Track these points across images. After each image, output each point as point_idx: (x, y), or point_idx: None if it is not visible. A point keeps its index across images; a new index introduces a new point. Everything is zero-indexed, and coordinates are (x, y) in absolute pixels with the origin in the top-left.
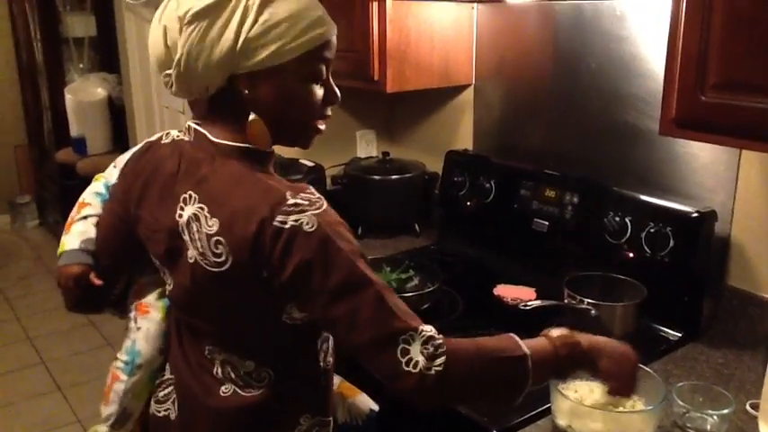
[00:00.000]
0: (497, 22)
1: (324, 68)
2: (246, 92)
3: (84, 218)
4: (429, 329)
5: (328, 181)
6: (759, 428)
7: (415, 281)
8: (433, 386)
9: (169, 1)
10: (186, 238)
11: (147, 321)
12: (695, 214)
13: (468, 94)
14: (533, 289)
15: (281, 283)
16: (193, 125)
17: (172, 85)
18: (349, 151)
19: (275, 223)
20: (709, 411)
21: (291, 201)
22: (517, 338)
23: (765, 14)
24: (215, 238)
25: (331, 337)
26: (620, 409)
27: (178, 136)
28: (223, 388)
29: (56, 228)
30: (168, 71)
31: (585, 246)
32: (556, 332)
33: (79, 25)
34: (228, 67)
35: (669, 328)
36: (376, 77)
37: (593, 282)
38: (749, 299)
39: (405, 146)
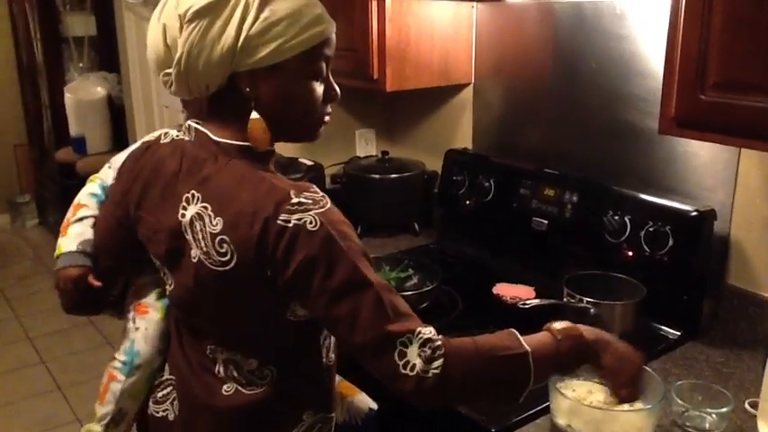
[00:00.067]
0: (497, 20)
1: (324, 66)
2: (247, 90)
3: (81, 219)
4: (428, 331)
5: (328, 180)
6: (758, 427)
7: (415, 280)
8: (432, 388)
9: (168, 0)
10: (189, 237)
11: (145, 322)
12: (694, 213)
13: (468, 93)
14: (532, 288)
15: (285, 282)
16: (194, 124)
17: (171, 85)
18: (348, 150)
19: (279, 222)
20: (708, 410)
21: (295, 200)
22: (518, 334)
23: (765, 13)
24: (219, 237)
25: None
26: (619, 407)
27: (178, 135)
28: (225, 387)
29: (56, 227)
30: (168, 70)
31: (585, 245)
32: (559, 325)
33: (79, 25)
34: (229, 65)
35: (668, 327)
36: (375, 76)
37: (593, 281)
38: (749, 298)
39: (404, 145)
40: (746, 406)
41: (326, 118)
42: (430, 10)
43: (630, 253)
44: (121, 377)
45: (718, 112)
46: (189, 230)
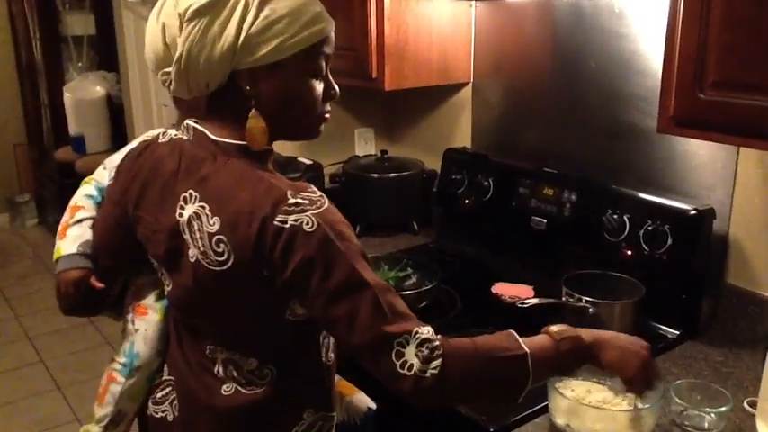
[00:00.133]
0: (496, 19)
1: (323, 64)
2: (248, 88)
3: (79, 221)
4: (425, 331)
5: (326, 179)
6: (756, 426)
7: (414, 279)
8: (430, 388)
9: None
10: (187, 237)
11: (144, 323)
12: (693, 212)
13: (467, 92)
14: (531, 287)
15: (283, 282)
16: (192, 124)
17: (170, 84)
18: (347, 149)
19: (276, 223)
20: (707, 409)
21: (292, 200)
22: (517, 336)
23: (764, 12)
24: (216, 237)
25: None
26: (618, 407)
27: (176, 135)
28: (225, 387)
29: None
30: (167, 69)
31: (584, 244)
32: (556, 328)
33: (78, 24)
34: (230, 64)
35: (667, 326)
36: (374, 75)
37: (592, 280)
38: (748, 297)
39: (403, 144)
40: (745, 405)
41: (326, 116)
42: (429, 8)
43: (629, 252)
44: (121, 379)
45: (716, 111)
46: (186, 230)
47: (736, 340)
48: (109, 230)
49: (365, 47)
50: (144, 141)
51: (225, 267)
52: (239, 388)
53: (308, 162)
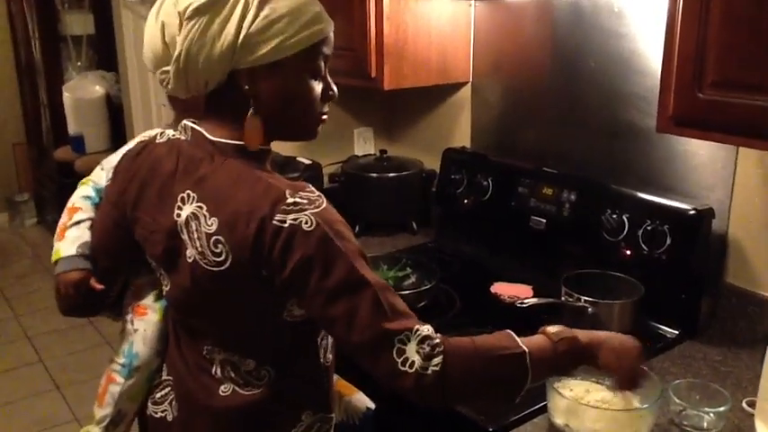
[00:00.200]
0: (495, 18)
1: (322, 65)
2: (247, 87)
3: (77, 223)
4: (426, 329)
5: (326, 179)
6: (755, 426)
7: (413, 278)
8: (431, 385)
9: None
10: (185, 237)
11: (143, 323)
12: (692, 212)
13: (466, 92)
14: (530, 287)
15: (281, 282)
16: (190, 124)
17: (168, 83)
18: (346, 149)
19: (274, 222)
20: (706, 409)
21: (291, 199)
22: (514, 335)
23: (763, 11)
24: (214, 238)
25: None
26: (617, 407)
27: (174, 135)
28: (222, 387)
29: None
30: (166, 68)
31: (583, 244)
32: (553, 329)
33: (77, 23)
34: (229, 63)
35: (666, 326)
36: (373, 75)
37: (591, 279)
38: (747, 297)
39: (402, 144)
40: (744, 405)
41: (324, 117)
42: (428, 8)
43: (629, 252)
44: (120, 379)
45: (716, 111)
46: (184, 230)
47: (735, 340)
48: (107, 231)
49: (364, 46)
50: (141, 142)
51: (223, 268)
52: (237, 389)
53: (307, 162)
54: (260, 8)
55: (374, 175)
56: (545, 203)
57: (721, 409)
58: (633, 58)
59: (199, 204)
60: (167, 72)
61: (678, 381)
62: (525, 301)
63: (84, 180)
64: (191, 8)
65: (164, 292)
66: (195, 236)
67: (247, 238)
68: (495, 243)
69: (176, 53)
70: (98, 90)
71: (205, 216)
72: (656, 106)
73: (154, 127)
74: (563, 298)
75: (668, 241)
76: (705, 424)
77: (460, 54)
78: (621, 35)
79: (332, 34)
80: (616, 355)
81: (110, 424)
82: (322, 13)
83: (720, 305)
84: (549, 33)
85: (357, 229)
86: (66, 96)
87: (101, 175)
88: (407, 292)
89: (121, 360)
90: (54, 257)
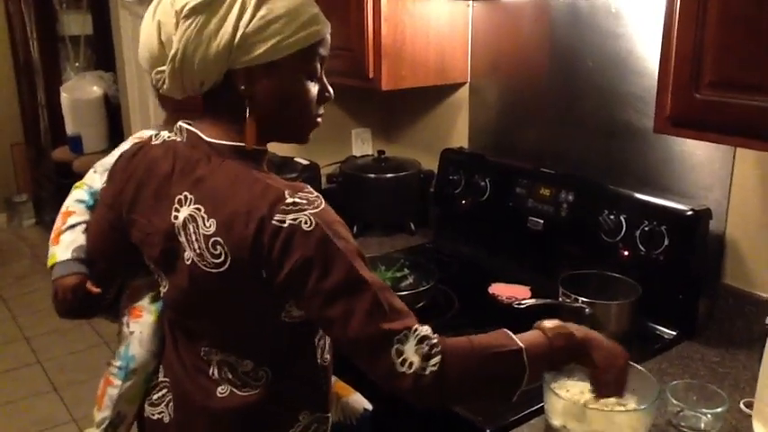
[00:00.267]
0: (493, 19)
1: (319, 66)
2: (243, 87)
3: (72, 227)
4: (424, 329)
5: (323, 179)
6: (753, 427)
7: (410, 279)
8: (429, 386)
9: None
10: (183, 239)
11: (139, 325)
12: (690, 212)
13: (464, 92)
14: (528, 287)
15: (280, 282)
16: (185, 125)
17: (164, 83)
18: (344, 150)
19: (273, 222)
20: (704, 410)
21: (290, 200)
22: (510, 333)
23: (761, 11)
24: (213, 239)
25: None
26: (614, 408)
27: (169, 136)
28: (220, 389)
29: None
30: (161, 68)
31: (580, 244)
32: (549, 324)
33: (75, 23)
34: (225, 62)
35: (664, 327)
36: (371, 75)
37: (588, 280)
38: (744, 297)
39: (400, 144)
40: (741, 406)
41: (319, 120)
42: (425, 8)
43: (626, 252)
44: (118, 382)
45: (713, 111)
46: (182, 233)
47: (732, 340)
48: (103, 234)
49: (362, 47)
50: (137, 143)
51: (222, 269)
52: (234, 390)
53: (305, 162)
54: (257, 8)
55: (372, 175)
56: (543, 204)
57: (719, 409)
58: (630, 59)
59: (197, 206)
60: (163, 72)
61: (676, 381)
62: (523, 301)
63: (77, 184)
64: (187, 7)
65: (161, 294)
66: (193, 238)
67: (246, 239)
68: (493, 244)
69: (172, 52)
70: (96, 90)
71: (203, 218)
72: (653, 107)
73: (152, 127)
74: (560, 299)
75: (666, 242)
76: (702, 425)
77: (458, 55)
78: (619, 35)
79: (329, 36)
80: (608, 355)
81: (109, 426)
82: (319, 14)
83: (718, 306)
84: (546, 34)
85: (355, 229)
86: (64, 96)
87: (94, 178)
88: (405, 292)
89: (118, 362)
90: (50, 262)
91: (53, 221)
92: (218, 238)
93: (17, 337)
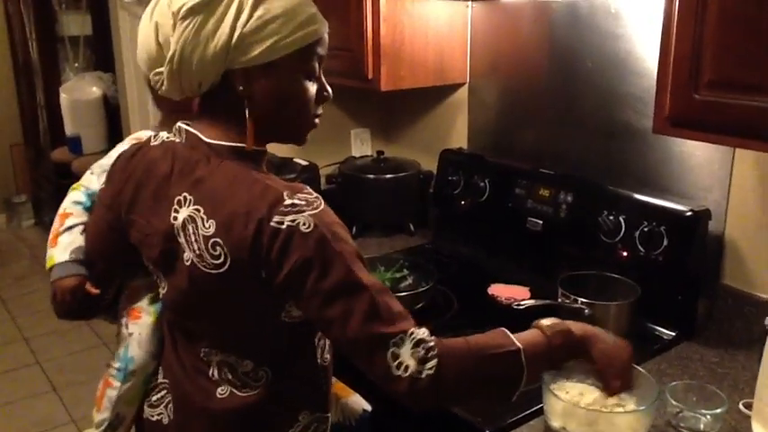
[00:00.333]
0: (492, 19)
1: (317, 66)
2: (241, 88)
3: (70, 228)
4: (421, 332)
5: (323, 180)
6: (752, 428)
7: (410, 280)
8: (425, 389)
9: None
10: (182, 240)
11: (138, 327)
12: (689, 213)
13: (463, 93)
14: (527, 288)
15: (279, 283)
16: (184, 126)
17: (162, 84)
18: (343, 150)
19: (272, 224)
20: (703, 411)
21: (288, 201)
22: (508, 333)
23: (760, 11)
24: (212, 240)
25: None
26: (614, 409)
27: (168, 137)
28: (219, 390)
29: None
30: (159, 69)
31: (580, 245)
32: (547, 322)
33: (75, 24)
34: (223, 63)
35: (663, 327)
36: (370, 76)
37: (588, 281)
38: (743, 298)
39: (399, 145)
40: (741, 407)
41: (316, 120)
42: (425, 9)
43: (625, 253)
44: (117, 383)
45: (712, 112)
46: (182, 233)
47: (731, 341)
48: (101, 234)
49: (361, 47)
50: (136, 144)
51: (221, 270)
52: (234, 390)
53: (304, 163)
54: (254, 8)
55: (371, 176)
56: (542, 205)
57: (718, 410)
58: (630, 59)
59: (196, 207)
60: (161, 73)
61: (675, 382)
62: (522, 302)
63: (74, 186)
64: (185, 8)
65: (160, 295)
66: (193, 239)
67: (245, 240)
68: (493, 244)
69: (170, 54)
70: (95, 91)
71: (203, 219)
72: (652, 107)
73: (149, 128)
74: (559, 299)
75: (665, 242)
76: (702, 426)
77: (457, 55)
78: (618, 36)
79: (326, 35)
80: (609, 349)
81: (108, 428)
82: (317, 13)
83: (717, 306)
84: (545, 34)
85: (354, 230)
86: (64, 97)
87: (91, 180)
88: (404, 293)
89: (117, 364)
90: (48, 264)
91: (52, 222)
92: (218, 239)
93: (16, 337)
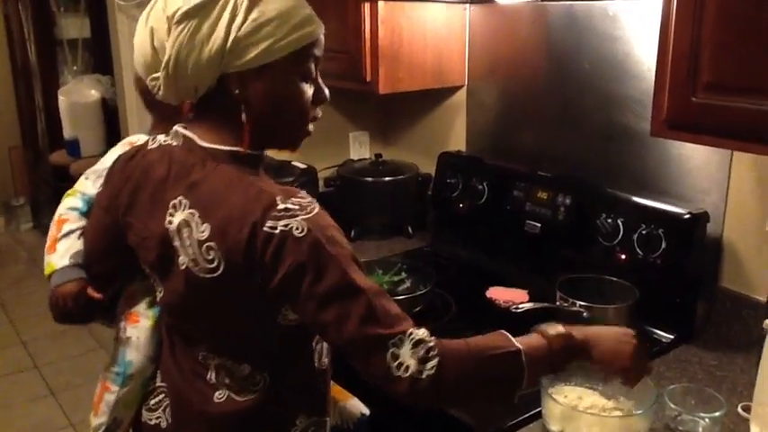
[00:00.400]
0: (490, 22)
1: (313, 67)
2: (237, 91)
3: (67, 234)
4: (421, 332)
5: (321, 183)
6: (750, 431)
7: (408, 283)
8: (426, 389)
9: (155, 2)
10: (177, 244)
11: (137, 330)
12: (687, 216)
13: (461, 96)
14: (526, 291)
15: (274, 287)
16: (181, 130)
17: (159, 89)
18: (342, 153)
19: (266, 228)
20: (701, 414)
21: (281, 205)
22: (508, 335)
23: (758, 13)
24: (206, 244)
25: None
26: (611, 412)
27: (165, 141)
28: (217, 394)
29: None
30: (155, 74)
31: (578, 248)
32: (547, 327)
33: (73, 27)
34: (218, 67)
35: (661, 330)
36: (368, 78)
37: (586, 284)
38: (742, 300)
39: (398, 147)
40: (739, 410)
41: (310, 127)
42: (423, 11)
43: (623, 256)
44: (115, 388)
45: (709, 114)
46: (177, 238)
47: (730, 344)
48: (99, 237)
49: (359, 49)
50: (134, 147)
51: (216, 274)
52: (232, 395)
53: (303, 166)
54: (249, 11)
55: (370, 179)
56: (540, 207)
57: (716, 414)
58: (627, 62)
59: (191, 211)
60: (157, 78)
61: (673, 385)
62: (520, 305)
63: (68, 192)
64: (179, 12)
65: (158, 298)
66: (187, 243)
67: (239, 243)
68: (491, 247)
69: (165, 58)
70: (93, 94)
71: (197, 223)
72: (650, 110)
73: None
74: (558, 302)
75: (663, 245)
76: (700, 429)
77: (456, 57)
78: (616, 38)
79: (322, 36)
80: (612, 346)
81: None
82: (312, 15)
83: (715, 309)
84: (543, 37)
85: (353, 233)
86: (62, 100)
87: (86, 185)
88: (403, 296)
89: (115, 368)
90: (47, 271)
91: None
92: (212, 243)
93: (14, 341)
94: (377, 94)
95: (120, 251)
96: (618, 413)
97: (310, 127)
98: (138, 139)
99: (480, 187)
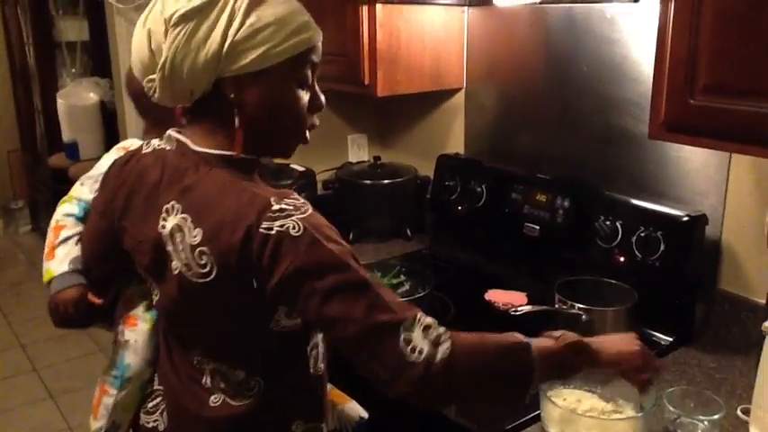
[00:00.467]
0: (488, 25)
1: (310, 74)
2: (232, 96)
3: (65, 240)
4: (429, 319)
5: (319, 186)
6: None
7: (407, 286)
8: (438, 374)
9: (154, 5)
10: (170, 248)
11: (134, 333)
12: (686, 218)
13: (460, 98)
14: (524, 293)
15: (273, 289)
16: (174, 134)
17: (155, 92)
18: (340, 156)
19: (261, 230)
20: (700, 417)
21: (276, 206)
22: (518, 333)
23: (755, 15)
24: (199, 249)
25: (321, 344)
26: (610, 415)
27: (159, 145)
28: (212, 398)
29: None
30: (152, 76)
31: (576, 250)
32: (556, 333)
33: (72, 29)
34: (214, 71)
35: (660, 333)
36: (367, 81)
37: (584, 286)
38: (741, 303)
39: (396, 150)
40: (738, 413)
41: (307, 135)
42: (421, 14)
43: (622, 258)
44: (113, 391)
45: (708, 117)
46: (169, 242)
47: (729, 346)
48: (96, 241)
49: (357, 52)
50: (129, 152)
51: (208, 279)
52: (227, 399)
53: (301, 169)
54: (246, 16)
55: (368, 181)
56: (539, 210)
57: (716, 416)
58: (626, 64)
59: (183, 216)
60: (153, 80)
61: (672, 388)
62: (519, 308)
63: (64, 198)
64: (177, 15)
65: (154, 302)
66: (180, 248)
67: (233, 247)
68: (490, 250)
69: (161, 60)
70: (92, 97)
71: (189, 227)
72: (648, 112)
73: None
74: (556, 305)
75: (662, 248)
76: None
77: (454, 60)
78: (614, 41)
79: (320, 43)
80: (619, 349)
81: None
82: (310, 21)
83: (714, 311)
84: (541, 39)
85: (351, 236)
86: (61, 103)
87: (82, 191)
88: (402, 299)
89: (114, 371)
90: (46, 278)
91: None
92: (204, 248)
93: (13, 344)
94: (375, 97)
95: (117, 255)
96: (617, 416)
97: (307, 135)
98: (131, 143)
99: (479, 190)
